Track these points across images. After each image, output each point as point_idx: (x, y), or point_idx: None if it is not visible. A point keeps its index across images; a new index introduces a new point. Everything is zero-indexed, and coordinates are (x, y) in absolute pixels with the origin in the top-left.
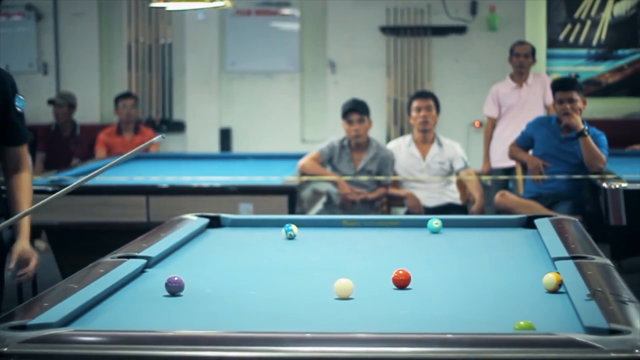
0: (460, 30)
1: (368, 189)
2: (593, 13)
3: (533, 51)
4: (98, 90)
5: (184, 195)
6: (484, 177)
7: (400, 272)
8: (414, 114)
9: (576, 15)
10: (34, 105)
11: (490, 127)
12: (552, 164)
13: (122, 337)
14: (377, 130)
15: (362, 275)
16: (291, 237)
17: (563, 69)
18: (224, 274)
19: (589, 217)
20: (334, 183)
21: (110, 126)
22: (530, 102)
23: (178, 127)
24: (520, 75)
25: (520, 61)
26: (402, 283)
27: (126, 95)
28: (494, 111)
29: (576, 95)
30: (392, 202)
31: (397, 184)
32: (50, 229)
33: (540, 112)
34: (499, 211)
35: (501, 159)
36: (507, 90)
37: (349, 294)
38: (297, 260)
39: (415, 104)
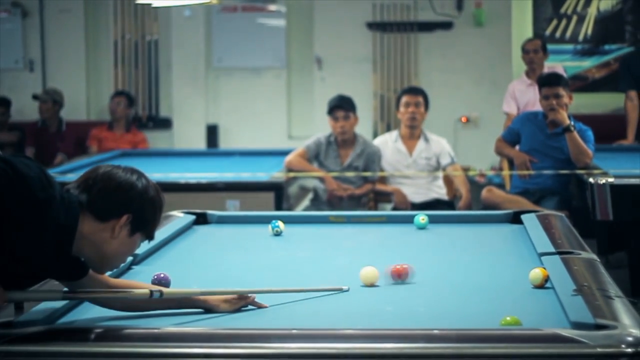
0: (446, 26)
1: (355, 185)
2: (579, 8)
3: (544, 46)
4: (84, 87)
5: (170, 192)
6: (470, 172)
7: (399, 266)
8: (402, 109)
9: (562, 10)
10: (20, 103)
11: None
12: (538, 159)
13: (109, 334)
14: (363, 126)
15: (348, 272)
16: (278, 234)
17: (549, 64)
18: (211, 270)
19: (576, 212)
20: (321, 179)
21: (103, 124)
22: None
23: (165, 123)
24: (533, 71)
25: (530, 58)
26: (401, 272)
27: (119, 93)
28: (512, 108)
29: (562, 91)
30: (379, 198)
31: (383, 179)
32: None
33: None
34: (486, 207)
35: None
36: (523, 87)
37: (374, 280)
38: (283, 257)
39: (404, 99)
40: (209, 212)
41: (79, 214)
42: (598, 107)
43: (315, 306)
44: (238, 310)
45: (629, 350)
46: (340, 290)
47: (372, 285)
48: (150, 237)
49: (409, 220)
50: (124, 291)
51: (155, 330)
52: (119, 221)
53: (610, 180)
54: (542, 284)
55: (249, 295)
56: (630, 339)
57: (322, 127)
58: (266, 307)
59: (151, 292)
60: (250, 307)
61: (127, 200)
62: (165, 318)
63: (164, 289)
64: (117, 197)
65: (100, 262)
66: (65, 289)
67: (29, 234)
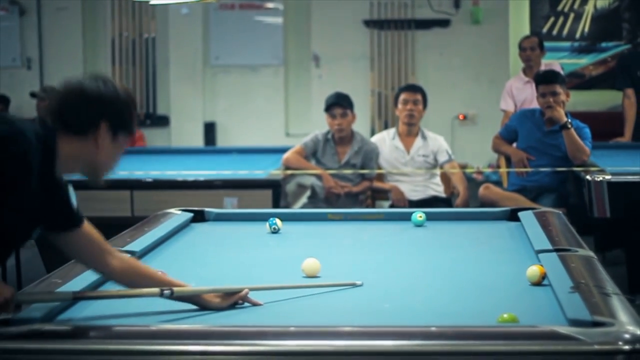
0: (443, 23)
1: (352, 183)
2: (576, 6)
3: (541, 43)
4: None
5: (168, 189)
6: (468, 170)
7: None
8: (400, 106)
9: (559, 8)
10: (18, 100)
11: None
12: (535, 156)
13: (107, 331)
14: (361, 124)
15: (346, 269)
16: (275, 231)
17: (546, 61)
18: (208, 268)
19: (573, 209)
20: (319, 176)
21: None
22: None
23: (162, 121)
24: (530, 69)
25: (527, 55)
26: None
27: None
28: (510, 105)
29: (559, 89)
30: (377, 195)
31: (381, 177)
32: None
33: None
34: (483, 204)
35: None
36: (520, 85)
37: (316, 272)
38: (281, 254)
39: (402, 96)
40: (207, 209)
41: (56, 138)
42: (595, 104)
43: (312, 303)
44: (232, 306)
45: (626, 347)
46: (354, 285)
47: (314, 277)
48: (132, 132)
49: (407, 217)
50: (133, 291)
51: (152, 328)
52: (98, 131)
53: (608, 177)
54: (539, 281)
55: (242, 290)
56: (627, 336)
57: (319, 125)
58: (261, 304)
59: (161, 290)
60: (246, 304)
61: (100, 109)
62: (162, 315)
63: (175, 287)
64: (90, 109)
65: (95, 173)
66: (75, 290)
67: (17, 185)
